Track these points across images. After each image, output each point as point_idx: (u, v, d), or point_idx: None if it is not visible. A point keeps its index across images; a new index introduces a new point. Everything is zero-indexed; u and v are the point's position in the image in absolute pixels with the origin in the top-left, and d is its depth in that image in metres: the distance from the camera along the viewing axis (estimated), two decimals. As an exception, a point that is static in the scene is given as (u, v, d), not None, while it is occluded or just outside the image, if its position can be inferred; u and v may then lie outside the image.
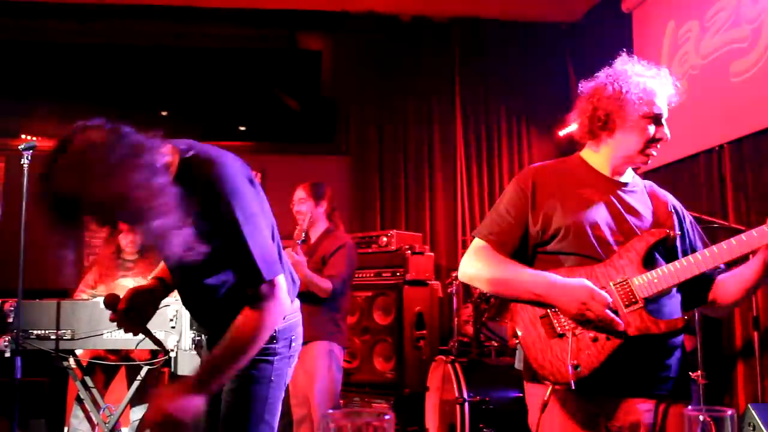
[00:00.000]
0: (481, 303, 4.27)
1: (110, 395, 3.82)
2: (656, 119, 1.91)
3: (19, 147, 3.04)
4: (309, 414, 3.70)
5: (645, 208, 1.95)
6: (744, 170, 4.17)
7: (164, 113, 6.49)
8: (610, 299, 1.76)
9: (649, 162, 1.96)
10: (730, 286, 1.95)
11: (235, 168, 1.77)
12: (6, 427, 3.38)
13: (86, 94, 5.96)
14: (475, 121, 6.29)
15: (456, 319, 4.54)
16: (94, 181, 1.52)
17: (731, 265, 1.91)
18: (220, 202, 1.69)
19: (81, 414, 3.59)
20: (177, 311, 3.05)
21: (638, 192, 1.98)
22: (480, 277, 1.94)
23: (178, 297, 2.10)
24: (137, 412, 3.95)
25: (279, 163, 6.02)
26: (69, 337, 3.06)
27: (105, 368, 3.81)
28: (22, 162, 3.02)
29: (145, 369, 3.20)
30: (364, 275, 5.04)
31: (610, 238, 1.86)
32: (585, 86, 1.99)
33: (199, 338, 2.15)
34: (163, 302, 2.16)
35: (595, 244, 1.85)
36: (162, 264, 2.07)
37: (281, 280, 1.80)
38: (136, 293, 1.97)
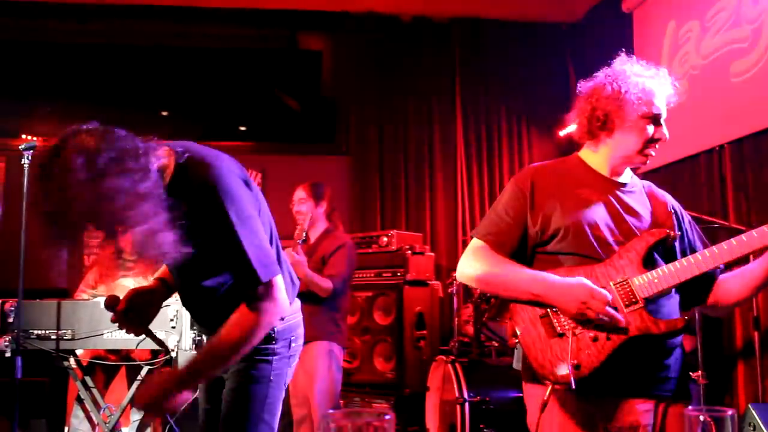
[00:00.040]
0: (481, 303, 4.26)
1: (111, 395, 3.82)
2: (655, 119, 1.91)
3: (20, 147, 3.04)
4: (309, 414, 3.71)
5: (643, 208, 1.95)
6: (744, 170, 4.17)
7: (164, 113, 6.49)
8: (609, 296, 1.76)
9: (648, 162, 1.96)
10: (733, 285, 1.94)
11: (230, 170, 1.78)
12: (6, 427, 3.38)
13: (86, 94, 5.96)
14: (476, 121, 6.29)
15: (456, 319, 4.54)
16: (82, 188, 1.53)
17: (731, 265, 1.91)
18: (215, 205, 1.70)
19: (81, 414, 3.59)
20: (177, 311, 3.05)
21: (636, 192, 1.98)
22: (478, 278, 1.94)
23: (178, 297, 2.11)
24: (138, 412, 3.94)
25: (279, 163, 6.03)
26: (69, 337, 3.06)
27: (105, 368, 3.81)
28: (22, 162, 3.02)
29: (145, 369, 3.20)
30: (364, 275, 5.04)
31: (610, 239, 1.86)
32: (584, 86, 1.99)
33: (199, 338, 2.16)
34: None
35: (595, 245, 1.85)
36: (164, 266, 2.08)
37: (279, 281, 1.80)
38: (136, 294, 1.97)
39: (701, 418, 1.20)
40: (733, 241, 1.81)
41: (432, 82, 6.26)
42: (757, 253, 1.85)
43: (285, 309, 1.85)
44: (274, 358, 1.93)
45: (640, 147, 1.91)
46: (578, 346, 1.77)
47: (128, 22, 6.04)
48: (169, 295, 2.08)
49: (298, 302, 2.07)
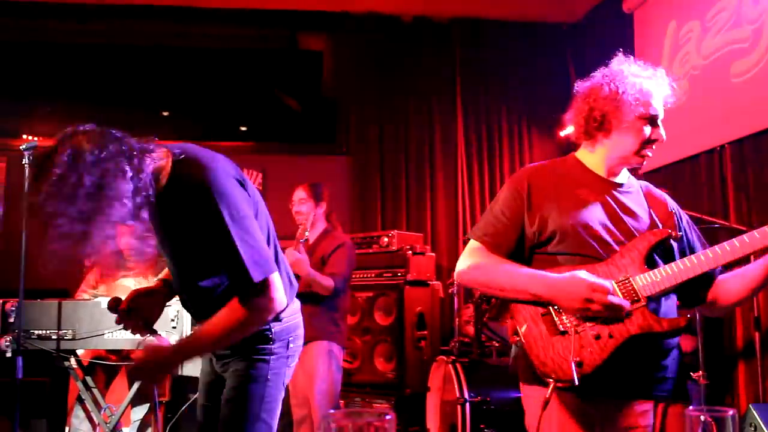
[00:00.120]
0: (482, 303, 4.26)
1: (111, 395, 3.81)
2: (652, 120, 1.90)
3: (21, 147, 3.04)
4: (309, 414, 3.70)
5: (641, 208, 1.95)
6: (745, 170, 4.17)
7: (165, 113, 6.51)
8: (610, 285, 1.76)
9: (645, 163, 1.96)
10: (733, 285, 1.94)
11: (225, 171, 1.80)
12: (7, 427, 3.38)
13: (86, 94, 5.98)
14: (476, 121, 6.29)
15: (457, 319, 4.53)
16: (77, 188, 1.57)
17: (731, 265, 1.91)
18: (209, 205, 1.73)
19: (82, 414, 3.59)
20: (178, 312, 3.05)
21: (634, 193, 1.98)
22: (476, 280, 1.94)
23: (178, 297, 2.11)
24: (138, 412, 3.95)
25: (279, 163, 6.03)
26: (70, 337, 3.06)
27: (106, 368, 3.81)
28: (23, 162, 3.02)
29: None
30: (365, 276, 5.04)
31: (609, 239, 1.86)
32: (581, 86, 1.98)
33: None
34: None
35: (595, 245, 1.84)
36: (166, 267, 2.09)
37: (275, 279, 1.82)
38: (138, 294, 2.00)
39: (702, 418, 1.20)
40: (734, 241, 1.81)
41: (432, 82, 6.26)
42: (758, 253, 1.84)
43: (280, 307, 1.86)
44: (272, 357, 1.94)
45: (637, 148, 1.91)
46: (581, 344, 1.76)
47: (128, 22, 6.05)
48: (171, 296, 2.10)
49: (297, 303, 2.07)
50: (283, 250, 2.23)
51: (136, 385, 3.22)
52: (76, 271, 4.03)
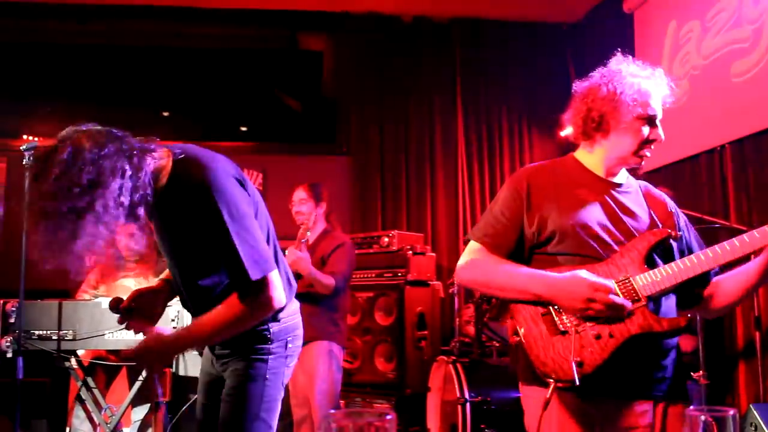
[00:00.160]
0: (482, 303, 4.26)
1: (112, 395, 3.81)
2: (650, 120, 1.90)
3: (21, 147, 3.03)
4: (309, 414, 3.70)
5: (640, 208, 1.95)
6: (745, 170, 4.17)
7: (165, 113, 6.51)
8: (611, 284, 1.76)
9: (643, 163, 1.96)
10: (729, 286, 1.94)
11: (224, 170, 1.81)
12: (8, 427, 3.38)
13: (87, 94, 5.98)
14: (476, 121, 6.29)
15: (457, 319, 4.53)
16: (75, 187, 1.59)
17: (729, 265, 1.91)
18: (208, 204, 1.74)
19: (82, 414, 3.59)
20: (179, 312, 3.05)
21: (632, 193, 1.98)
22: (476, 280, 1.94)
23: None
24: (139, 413, 3.95)
25: (280, 163, 6.03)
26: (70, 337, 3.06)
27: (106, 368, 3.81)
28: (24, 162, 3.02)
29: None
30: (365, 276, 5.04)
31: (608, 239, 1.85)
32: (579, 86, 1.98)
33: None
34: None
35: (594, 245, 1.84)
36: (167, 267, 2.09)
37: (274, 277, 1.83)
38: (139, 294, 2.01)
39: (702, 418, 1.20)
40: (735, 241, 1.81)
41: (432, 82, 6.26)
42: (758, 252, 1.84)
43: (279, 305, 1.87)
44: (270, 357, 1.95)
45: (635, 148, 1.91)
46: (581, 344, 1.76)
47: (128, 23, 6.05)
48: (172, 296, 2.11)
49: (296, 304, 2.08)
50: (284, 250, 2.23)
51: (136, 386, 3.22)
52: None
